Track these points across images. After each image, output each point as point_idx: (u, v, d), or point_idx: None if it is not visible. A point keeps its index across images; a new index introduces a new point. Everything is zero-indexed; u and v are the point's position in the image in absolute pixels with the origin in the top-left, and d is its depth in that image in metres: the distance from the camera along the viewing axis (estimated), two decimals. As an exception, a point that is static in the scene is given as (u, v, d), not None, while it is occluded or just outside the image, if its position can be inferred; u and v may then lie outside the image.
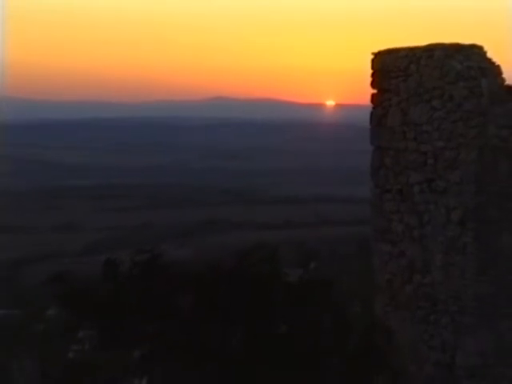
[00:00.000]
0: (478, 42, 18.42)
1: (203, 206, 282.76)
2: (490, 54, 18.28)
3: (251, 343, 18.60)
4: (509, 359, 17.92)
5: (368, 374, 18.95)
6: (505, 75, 18.28)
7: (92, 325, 21.65)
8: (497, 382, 17.89)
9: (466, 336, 17.97)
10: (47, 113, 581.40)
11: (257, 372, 18.28)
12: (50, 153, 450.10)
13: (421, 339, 18.64)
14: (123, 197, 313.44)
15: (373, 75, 19.69)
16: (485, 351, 17.89)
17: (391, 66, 19.15)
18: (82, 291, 22.29)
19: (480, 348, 17.90)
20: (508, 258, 17.97)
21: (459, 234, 18.04)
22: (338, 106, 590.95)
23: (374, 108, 19.71)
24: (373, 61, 19.65)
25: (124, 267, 21.71)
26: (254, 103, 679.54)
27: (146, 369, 20.64)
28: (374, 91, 19.70)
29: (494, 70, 18.23)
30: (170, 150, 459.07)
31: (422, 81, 18.59)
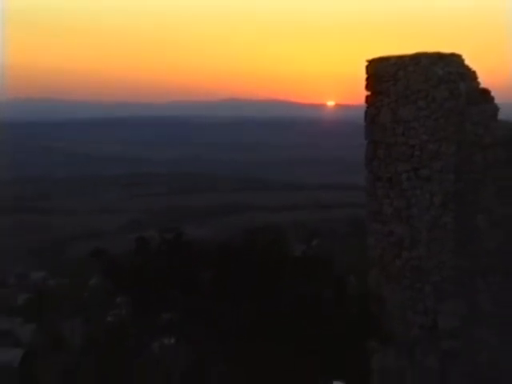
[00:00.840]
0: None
1: (220, 192, 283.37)
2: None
3: (260, 312, 18.69)
4: (483, 322, 18.03)
5: (364, 337, 19.10)
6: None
7: (127, 292, 21.85)
8: (472, 342, 18.01)
9: (446, 302, 18.10)
10: (87, 112, 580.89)
11: (265, 336, 18.39)
12: (89, 146, 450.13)
13: (407, 305, 18.73)
14: (150, 184, 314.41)
15: (367, 79, 19.75)
16: (462, 316, 18.00)
17: (383, 72, 19.21)
18: (119, 264, 22.47)
19: (458, 313, 18.02)
20: (482, 234, 18.11)
21: (441, 215, 18.18)
22: (338, 106, 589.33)
23: (368, 108, 19.78)
24: (367, 67, 19.72)
25: (153, 244, 21.87)
26: (264, 103, 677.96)
27: (173, 330, 20.77)
28: (368, 93, 19.76)
29: (470, 75, 18.32)
30: (189, 144, 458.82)
31: (409, 84, 18.67)
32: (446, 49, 18.21)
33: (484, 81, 18.33)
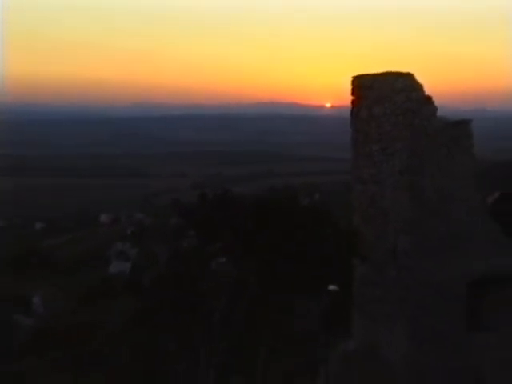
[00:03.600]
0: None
1: (253, 163, 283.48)
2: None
3: (282, 241, 18.69)
4: (430, 248, 18.03)
5: (349, 256, 19.13)
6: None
7: (195, 228, 22.02)
8: (422, 260, 18.02)
9: (404, 234, 18.12)
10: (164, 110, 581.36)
11: (285, 255, 18.38)
12: (171, 133, 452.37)
13: (377, 236, 18.74)
14: (209, 158, 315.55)
15: (352, 89, 19.58)
16: (415, 242, 18.01)
17: (363, 84, 19.06)
18: (189, 210, 22.63)
19: (412, 240, 18.05)
20: (426, 192, 18.10)
21: (400, 179, 18.16)
22: (333, 107, 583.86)
23: (352, 107, 19.62)
24: (352, 80, 19.52)
25: (210, 197, 21.96)
26: (282, 105, 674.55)
27: (224, 253, 20.87)
28: (353, 98, 19.59)
29: (419, 86, 18.25)
30: (237, 131, 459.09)
31: (380, 92, 18.53)
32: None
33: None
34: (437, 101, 18.19)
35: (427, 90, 18.29)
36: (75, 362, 43.53)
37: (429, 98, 18.25)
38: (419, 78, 18.27)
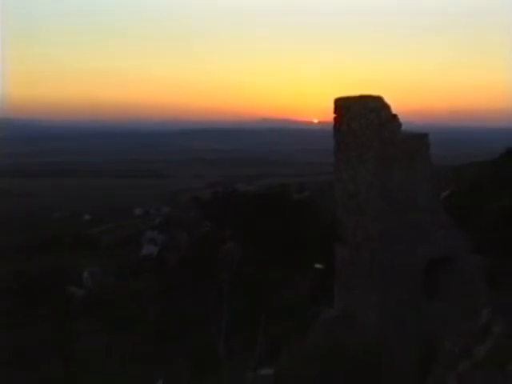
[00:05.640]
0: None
1: (256, 166, 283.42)
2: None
3: (278, 227, 18.70)
4: (396, 235, 17.94)
5: (332, 241, 19.09)
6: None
7: (209, 218, 22.08)
8: (391, 245, 17.90)
9: (376, 223, 18.04)
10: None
11: (279, 239, 18.40)
12: (188, 143, 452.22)
13: (355, 225, 18.67)
14: (219, 163, 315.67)
15: (334, 108, 19.50)
16: (385, 230, 17.92)
17: (342, 104, 18.99)
18: (205, 204, 22.64)
19: (382, 229, 17.96)
20: (394, 189, 18.05)
21: (372, 179, 18.09)
22: (319, 122, 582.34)
23: (335, 123, 19.56)
24: (334, 102, 19.46)
25: (221, 193, 22.02)
26: (280, 122, 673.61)
27: (232, 238, 20.92)
28: (335, 115, 19.53)
29: (386, 106, 18.19)
30: (241, 142, 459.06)
31: (356, 111, 18.49)
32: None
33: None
34: (401, 118, 18.18)
35: (394, 109, 18.27)
36: (115, 323, 44.19)
37: (394, 116, 18.24)
38: (387, 99, 18.27)
